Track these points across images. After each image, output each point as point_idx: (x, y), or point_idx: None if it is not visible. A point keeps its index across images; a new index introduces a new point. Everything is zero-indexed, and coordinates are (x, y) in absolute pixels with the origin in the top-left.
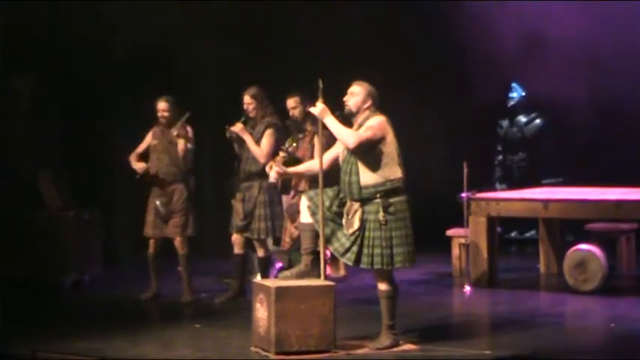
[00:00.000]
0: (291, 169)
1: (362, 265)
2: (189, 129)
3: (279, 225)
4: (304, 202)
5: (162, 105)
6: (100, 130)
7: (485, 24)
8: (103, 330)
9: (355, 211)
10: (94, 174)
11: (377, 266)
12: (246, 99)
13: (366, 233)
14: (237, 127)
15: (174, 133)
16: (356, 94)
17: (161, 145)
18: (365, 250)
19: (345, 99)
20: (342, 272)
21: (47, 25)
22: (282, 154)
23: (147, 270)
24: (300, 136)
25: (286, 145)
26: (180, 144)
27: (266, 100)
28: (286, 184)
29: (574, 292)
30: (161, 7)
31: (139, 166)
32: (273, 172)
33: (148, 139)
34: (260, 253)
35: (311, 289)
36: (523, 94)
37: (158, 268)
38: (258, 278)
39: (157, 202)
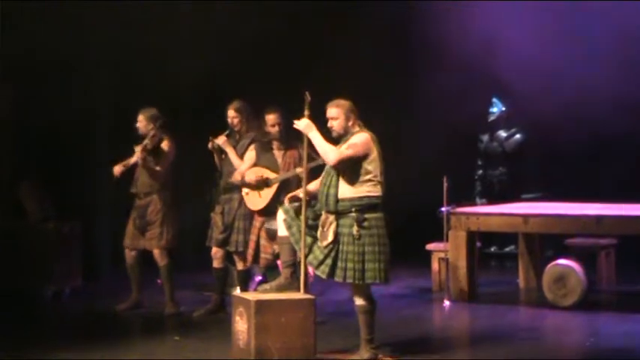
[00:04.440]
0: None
1: (336, 279)
2: (165, 141)
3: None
4: (280, 216)
5: (138, 116)
6: (81, 142)
7: (469, 39)
8: (83, 342)
9: (330, 224)
10: (75, 186)
11: (349, 280)
12: (231, 113)
13: (341, 247)
14: (221, 140)
15: (143, 143)
16: (337, 118)
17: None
18: (339, 264)
19: (329, 125)
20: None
21: (28, 35)
22: (300, 169)
23: (127, 282)
24: (283, 151)
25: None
26: (137, 152)
27: (251, 114)
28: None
29: (553, 307)
30: (141, 20)
31: (116, 169)
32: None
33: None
34: (240, 266)
35: (291, 302)
36: (503, 108)
37: (138, 278)
38: (237, 291)
39: (134, 214)
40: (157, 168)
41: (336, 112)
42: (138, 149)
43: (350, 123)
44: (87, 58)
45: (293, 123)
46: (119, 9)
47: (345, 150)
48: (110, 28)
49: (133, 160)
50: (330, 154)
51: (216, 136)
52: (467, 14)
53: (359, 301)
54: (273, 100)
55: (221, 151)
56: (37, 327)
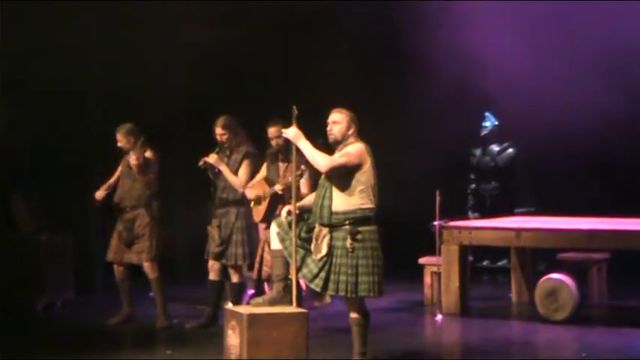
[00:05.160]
0: (298, 204)
1: (329, 292)
2: (148, 152)
3: (250, 251)
4: (274, 229)
5: (117, 136)
6: (74, 153)
7: (460, 53)
8: (74, 355)
9: (324, 237)
10: (68, 197)
11: (341, 293)
12: (218, 130)
13: (334, 259)
14: (212, 159)
15: (132, 156)
16: (339, 122)
17: (125, 171)
18: (332, 277)
19: (328, 129)
20: (328, 299)
21: (22, 47)
22: (279, 187)
23: (120, 295)
24: (286, 165)
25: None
26: (132, 159)
27: (238, 127)
28: (272, 212)
29: (545, 322)
30: (135, 33)
31: (98, 194)
32: (284, 212)
33: (119, 168)
34: (234, 278)
35: (284, 316)
36: (496, 123)
37: (129, 292)
38: (230, 305)
39: (120, 227)
40: (151, 175)
41: (339, 118)
42: (133, 158)
43: (349, 132)
44: (81, 70)
45: (282, 132)
46: (112, 24)
47: (337, 158)
48: (102, 43)
49: (115, 176)
50: (320, 161)
51: (206, 155)
52: (460, 30)
53: (352, 314)
54: (259, 113)
55: (214, 167)
56: (28, 340)
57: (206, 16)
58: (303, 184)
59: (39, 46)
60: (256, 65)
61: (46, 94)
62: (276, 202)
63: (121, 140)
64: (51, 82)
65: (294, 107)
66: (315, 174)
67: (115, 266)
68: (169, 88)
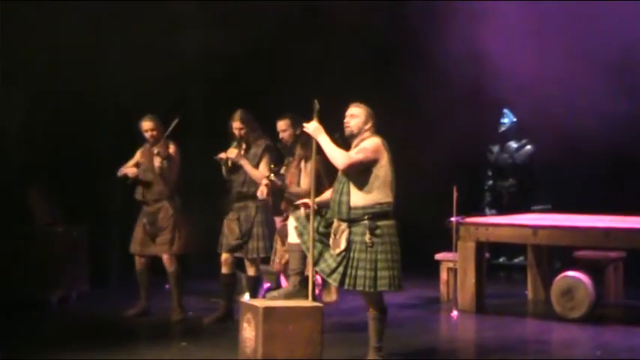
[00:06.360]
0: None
1: (345, 286)
2: (171, 147)
3: (270, 245)
4: (292, 223)
5: (147, 124)
6: (90, 146)
7: (475, 51)
8: (89, 348)
9: (342, 232)
10: (84, 190)
11: (359, 288)
12: (237, 124)
13: (352, 254)
14: (233, 153)
15: (155, 151)
16: (356, 116)
17: (147, 163)
18: (351, 272)
19: (345, 121)
20: (333, 297)
21: (40, 42)
22: (265, 181)
23: (135, 287)
24: (289, 159)
25: (269, 174)
26: (157, 161)
27: (254, 121)
28: (277, 205)
29: (561, 320)
30: (152, 29)
31: (131, 170)
32: (302, 209)
33: (137, 157)
34: (250, 272)
35: (299, 309)
36: (514, 119)
37: (147, 284)
38: (246, 298)
39: (144, 220)
40: (171, 175)
41: (357, 111)
42: (157, 160)
43: (366, 126)
44: (97, 66)
45: (302, 127)
46: (126, 16)
47: (354, 154)
48: (118, 32)
49: (133, 162)
50: (338, 158)
51: (223, 150)
52: (474, 28)
53: (370, 309)
54: (258, 114)
55: (229, 161)
56: (43, 332)
57: (206, 17)
58: (302, 179)
59: (57, 38)
60: (256, 65)
61: (57, 90)
62: (279, 195)
63: (154, 128)
64: (62, 78)
65: (316, 101)
66: (321, 168)
67: (137, 258)
68: (170, 87)
